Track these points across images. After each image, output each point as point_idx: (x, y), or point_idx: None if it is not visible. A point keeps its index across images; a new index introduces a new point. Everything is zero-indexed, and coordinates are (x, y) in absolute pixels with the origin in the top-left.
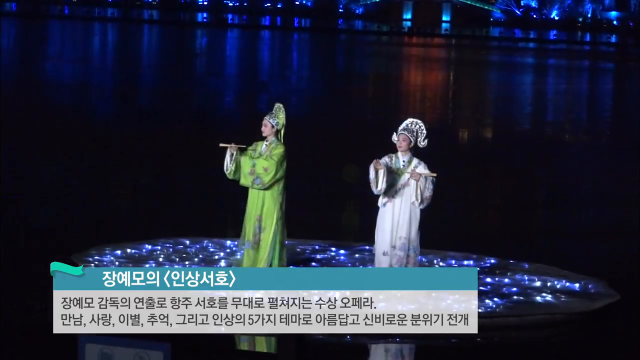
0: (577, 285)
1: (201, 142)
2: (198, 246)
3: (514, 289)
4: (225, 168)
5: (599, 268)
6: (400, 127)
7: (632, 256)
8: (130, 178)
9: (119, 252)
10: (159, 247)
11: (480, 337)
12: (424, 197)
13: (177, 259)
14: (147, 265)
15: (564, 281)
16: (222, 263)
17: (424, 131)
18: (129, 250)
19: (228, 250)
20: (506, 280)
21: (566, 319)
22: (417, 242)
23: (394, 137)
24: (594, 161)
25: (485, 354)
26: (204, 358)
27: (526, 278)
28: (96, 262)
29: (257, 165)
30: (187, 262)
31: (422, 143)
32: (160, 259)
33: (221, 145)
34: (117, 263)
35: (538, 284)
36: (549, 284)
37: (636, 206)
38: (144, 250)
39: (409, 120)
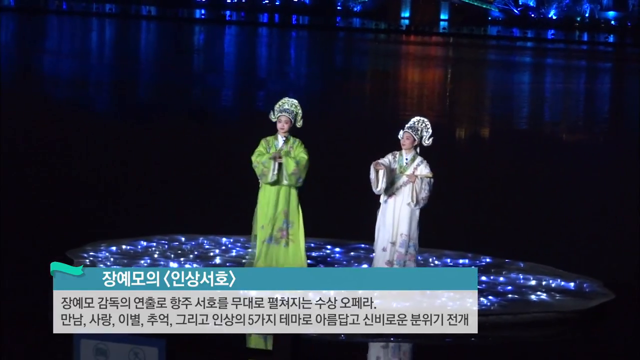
0: (572, 284)
1: (198, 138)
2: (193, 243)
3: (509, 287)
4: (271, 178)
5: (594, 267)
6: (407, 125)
7: (627, 255)
8: (125, 173)
9: (114, 248)
10: (154, 244)
11: (474, 335)
12: (419, 198)
13: (172, 256)
14: (142, 262)
15: (559, 280)
16: (218, 260)
17: (429, 130)
18: (124, 247)
19: (223, 247)
20: (501, 278)
21: (561, 317)
22: (417, 239)
23: (400, 134)
24: (590, 160)
25: (480, 352)
26: (199, 354)
27: (521, 277)
28: (91, 258)
29: (299, 164)
30: (182, 259)
31: (427, 142)
32: (156, 256)
33: (271, 158)
34: (112, 259)
35: (533, 282)
36: (544, 282)
37: (632, 206)
38: (139, 246)
39: (416, 118)
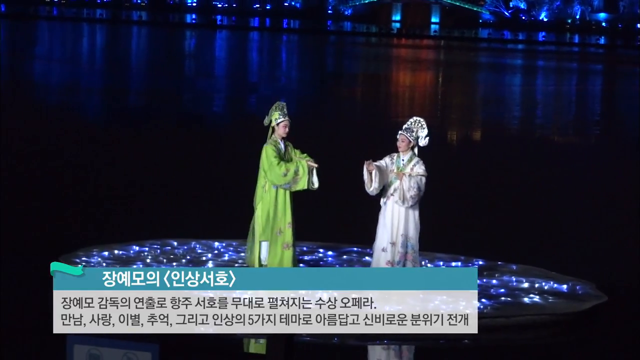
0: (564, 286)
1: (190, 142)
2: (186, 247)
3: (502, 290)
4: (308, 184)
5: (586, 270)
6: (403, 127)
7: (619, 258)
8: (118, 179)
9: (106, 253)
10: (147, 249)
11: (467, 338)
12: (407, 197)
13: (165, 260)
14: (135, 267)
15: (551, 282)
16: (210, 264)
17: (425, 129)
18: (116, 252)
19: (216, 252)
20: (494, 281)
21: (554, 320)
22: (416, 240)
23: (398, 136)
24: (582, 162)
25: (474, 354)
26: (192, 358)
27: (514, 279)
28: (84, 264)
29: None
30: (174, 264)
31: (423, 141)
32: (148, 260)
33: (311, 165)
34: (104, 264)
35: (526, 285)
36: (536, 285)
37: (625, 208)
38: (131, 251)
39: (412, 119)
